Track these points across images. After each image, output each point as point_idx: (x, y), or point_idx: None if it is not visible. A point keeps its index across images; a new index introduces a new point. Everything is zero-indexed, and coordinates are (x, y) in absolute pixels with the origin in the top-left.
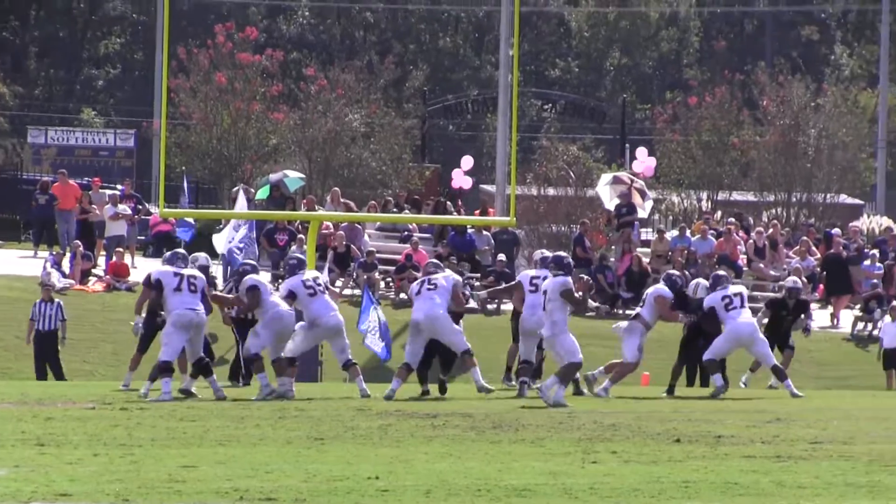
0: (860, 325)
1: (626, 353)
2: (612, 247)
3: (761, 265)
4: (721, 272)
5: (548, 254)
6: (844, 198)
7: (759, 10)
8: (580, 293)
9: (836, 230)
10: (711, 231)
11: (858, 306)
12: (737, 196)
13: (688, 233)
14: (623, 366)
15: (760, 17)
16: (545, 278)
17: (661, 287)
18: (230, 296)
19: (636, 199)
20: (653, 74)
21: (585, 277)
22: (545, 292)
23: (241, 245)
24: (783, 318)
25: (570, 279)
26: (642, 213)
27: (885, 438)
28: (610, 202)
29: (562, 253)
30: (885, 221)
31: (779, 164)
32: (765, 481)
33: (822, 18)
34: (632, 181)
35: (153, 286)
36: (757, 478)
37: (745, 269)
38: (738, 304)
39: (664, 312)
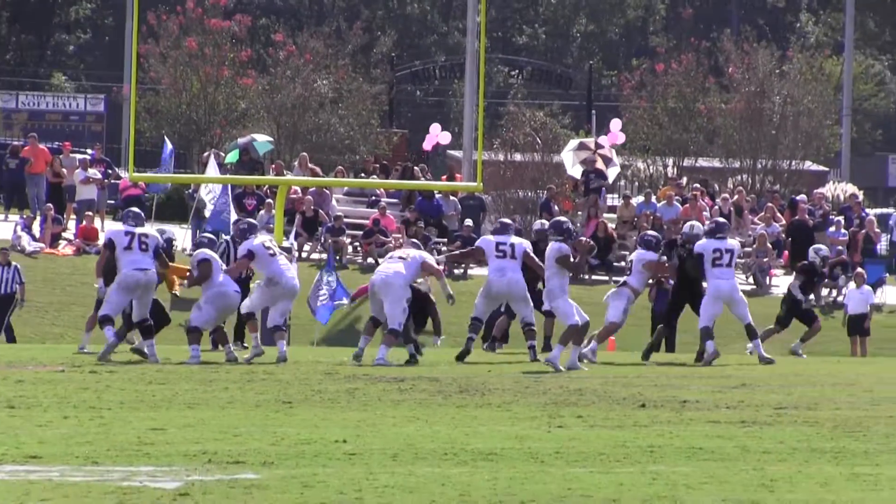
0: (825, 292)
1: (610, 315)
2: (579, 212)
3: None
4: (723, 220)
5: (546, 223)
6: (809, 165)
7: None
8: (578, 256)
9: (802, 197)
10: (677, 197)
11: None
12: (703, 162)
13: (653, 198)
14: (607, 326)
15: None
16: (511, 244)
17: (643, 251)
18: (184, 267)
19: (599, 164)
20: (619, 41)
21: (585, 239)
22: (518, 256)
23: (218, 209)
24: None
25: (566, 245)
26: (611, 179)
27: (849, 405)
28: (573, 168)
29: (561, 218)
30: (850, 188)
31: (744, 130)
32: (729, 446)
33: None
34: (597, 147)
35: (106, 245)
36: (721, 443)
37: None
38: (726, 261)
39: (657, 271)
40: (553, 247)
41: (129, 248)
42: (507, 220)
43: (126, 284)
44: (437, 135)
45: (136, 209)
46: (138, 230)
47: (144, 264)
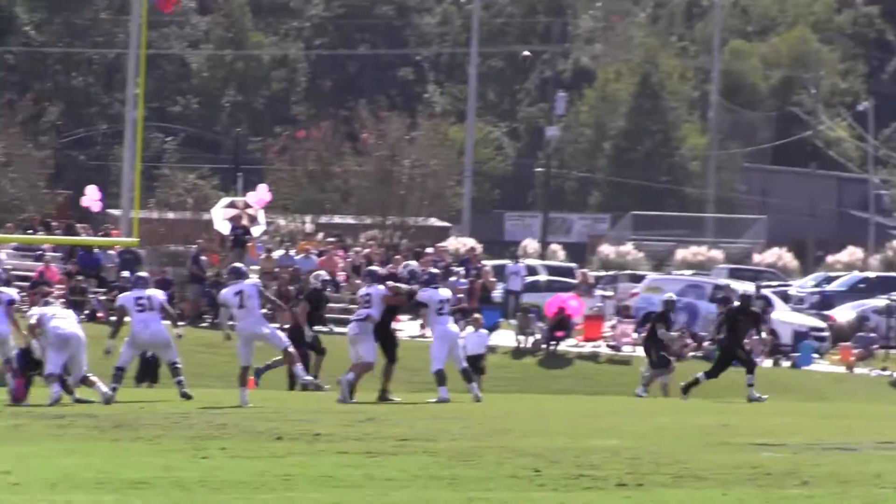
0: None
1: (366, 354)
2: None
3: (358, 281)
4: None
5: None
6: (434, 221)
7: (360, 53)
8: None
9: (429, 249)
10: (314, 250)
11: None
12: (338, 219)
13: (292, 252)
14: (364, 366)
15: (362, 60)
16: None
17: (377, 287)
18: None
19: (245, 221)
20: (265, 110)
21: (405, 287)
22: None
23: None
24: None
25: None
26: (255, 235)
27: (464, 436)
28: (221, 223)
29: (374, 266)
30: (470, 242)
31: (376, 190)
32: (357, 474)
33: (416, 60)
34: (245, 206)
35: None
36: (350, 471)
37: (343, 284)
38: (446, 310)
39: (394, 301)
40: (381, 290)
41: None
42: (144, 274)
43: None
44: (92, 196)
45: None
46: None
47: None
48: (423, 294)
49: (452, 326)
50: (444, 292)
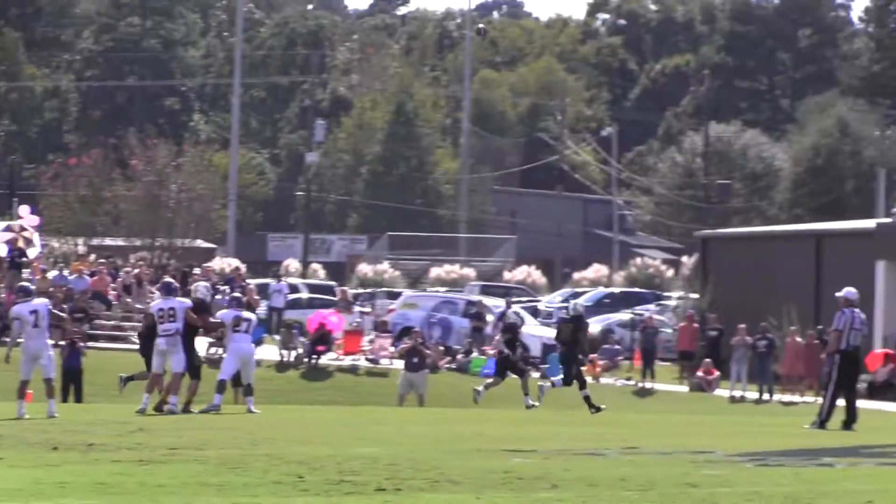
0: (211, 350)
1: (175, 366)
2: (1, 285)
3: (129, 300)
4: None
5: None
6: (201, 242)
7: (129, 84)
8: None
9: (198, 270)
10: (86, 271)
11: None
12: (109, 241)
13: (65, 272)
14: (156, 377)
15: (130, 90)
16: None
17: (181, 300)
18: None
19: (21, 244)
20: (38, 138)
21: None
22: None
23: None
24: None
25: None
26: (31, 257)
27: (232, 444)
28: None
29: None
30: (235, 262)
31: (145, 214)
32: (130, 482)
33: (182, 91)
34: (21, 229)
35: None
36: (123, 479)
37: (115, 302)
38: (244, 328)
39: (195, 320)
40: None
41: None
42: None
43: None
44: None
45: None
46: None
47: None
48: (221, 314)
49: (246, 344)
50: (247, 313)
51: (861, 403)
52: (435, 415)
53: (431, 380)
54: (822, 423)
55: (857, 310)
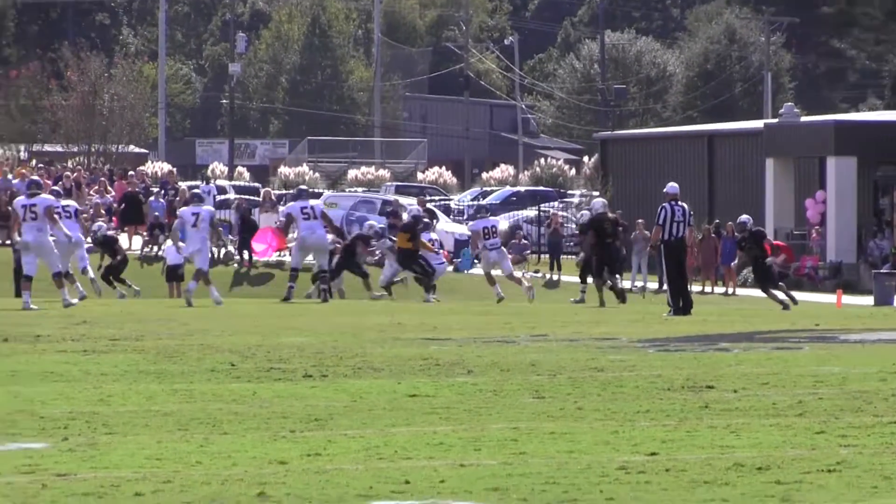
0: (147, 248)
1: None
2: None
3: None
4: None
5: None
6: (133, 147)
7: (62, 0)
8: None
9: (132, 172)
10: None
11: (144, 234)
12: (48, 148)
13: (10, 177)
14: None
15: (64, 6)
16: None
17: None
18: None
19: None
20: None
21: None
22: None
23: None
24: None
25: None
26: None
27: (168, 336)
28: None
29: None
30: (166, 166)
31: (81, 122)
32: (75, 370)
33: (112, 6)
34: None
35: None
36: (69, 367)
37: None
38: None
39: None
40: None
41: None
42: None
43: None
44: None
45: None
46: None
47: None
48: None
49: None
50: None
51: (753, 292)
52: (354, 307)
53: (349, 274)
54: (675, 311)
55: (679, 202)
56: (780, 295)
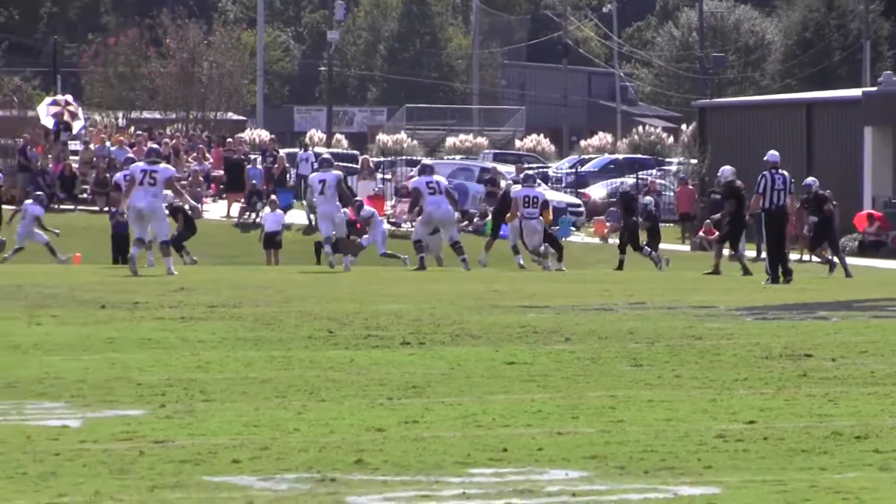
0: (245, 215)
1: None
2: (49, 155)
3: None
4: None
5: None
6: (232, 115)
7: None
8: None
9: (230, 140)
10: (126, 142)
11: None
12: (146, 115)
13: (108, 143)
14: None
15: None
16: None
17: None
18: None
19: (67, 117)
20: (78, 20)
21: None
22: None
23: None
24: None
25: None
26: (76, 130)
27: (266, 303)
28: (46, 118)
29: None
30: (265, 133)
31: (179, 89)
32: (172, 337)
33: None
34: (66, 104)
35: None
36: (166, 334)
37: None
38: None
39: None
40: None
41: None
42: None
43: None
44: None
45: None
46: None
47: None
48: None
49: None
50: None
51: (852, 261)
52: (452, 274)
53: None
54: (773, 279)
55: (779, 171)
56: (832, 258)
